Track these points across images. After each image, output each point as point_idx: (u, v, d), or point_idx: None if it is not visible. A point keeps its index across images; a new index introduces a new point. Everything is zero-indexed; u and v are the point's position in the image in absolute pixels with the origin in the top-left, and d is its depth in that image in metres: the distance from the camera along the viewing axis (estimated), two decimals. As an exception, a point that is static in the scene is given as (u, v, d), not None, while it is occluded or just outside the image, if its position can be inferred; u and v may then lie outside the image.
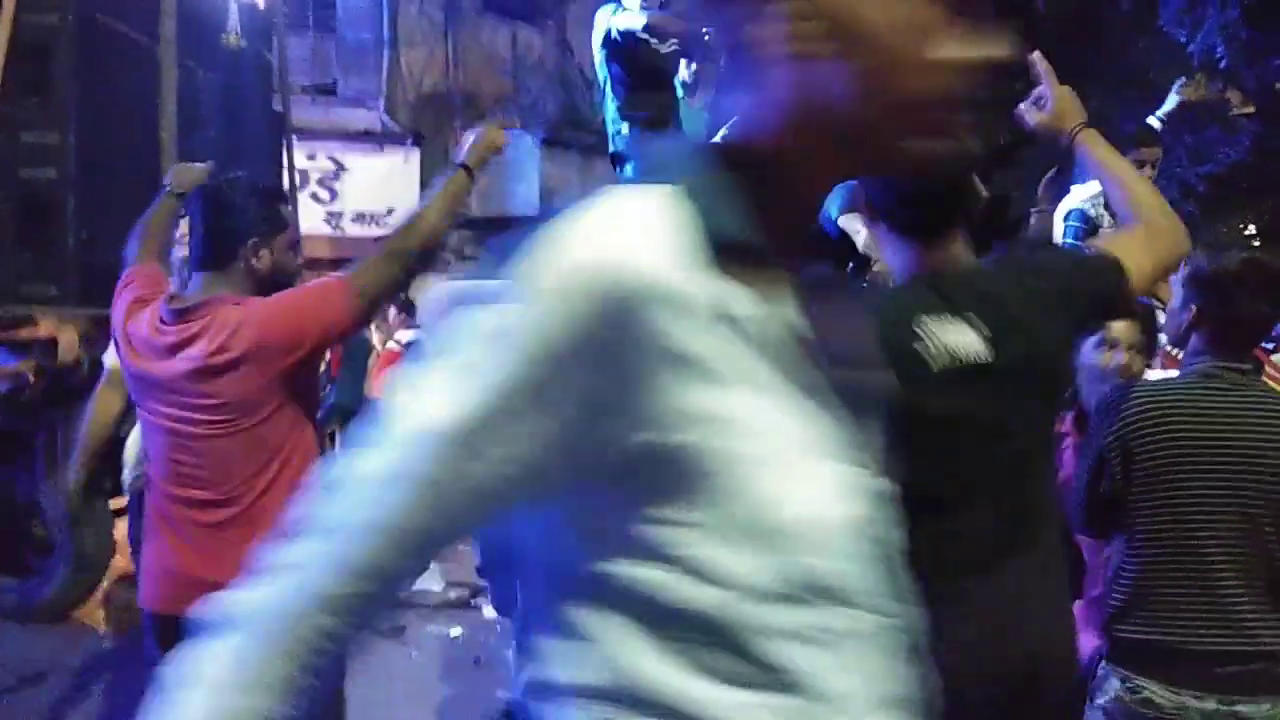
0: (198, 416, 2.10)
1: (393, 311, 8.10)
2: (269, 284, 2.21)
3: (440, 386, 0.69)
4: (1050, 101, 1.89)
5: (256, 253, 2.20)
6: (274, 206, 2.34)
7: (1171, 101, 4.94)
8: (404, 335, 8.98)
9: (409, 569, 0.73)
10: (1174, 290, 2.08)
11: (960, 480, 1.51)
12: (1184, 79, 5.04)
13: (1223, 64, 9.86)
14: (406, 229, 2.25)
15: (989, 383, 1.49)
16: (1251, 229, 15.35)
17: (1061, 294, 1.59)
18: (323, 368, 4.80)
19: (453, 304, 0.74)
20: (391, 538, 0.70)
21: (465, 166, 2.30)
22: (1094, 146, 1.86)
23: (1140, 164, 4.57)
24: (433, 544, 0.73)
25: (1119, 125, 5.32)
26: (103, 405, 2.90)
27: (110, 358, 2.88)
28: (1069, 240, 4.54)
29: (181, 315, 2.13)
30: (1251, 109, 12.22)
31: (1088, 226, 4.56)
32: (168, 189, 2.56)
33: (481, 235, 11.39)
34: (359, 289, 2.13)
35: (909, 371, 1.41)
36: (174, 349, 2.11)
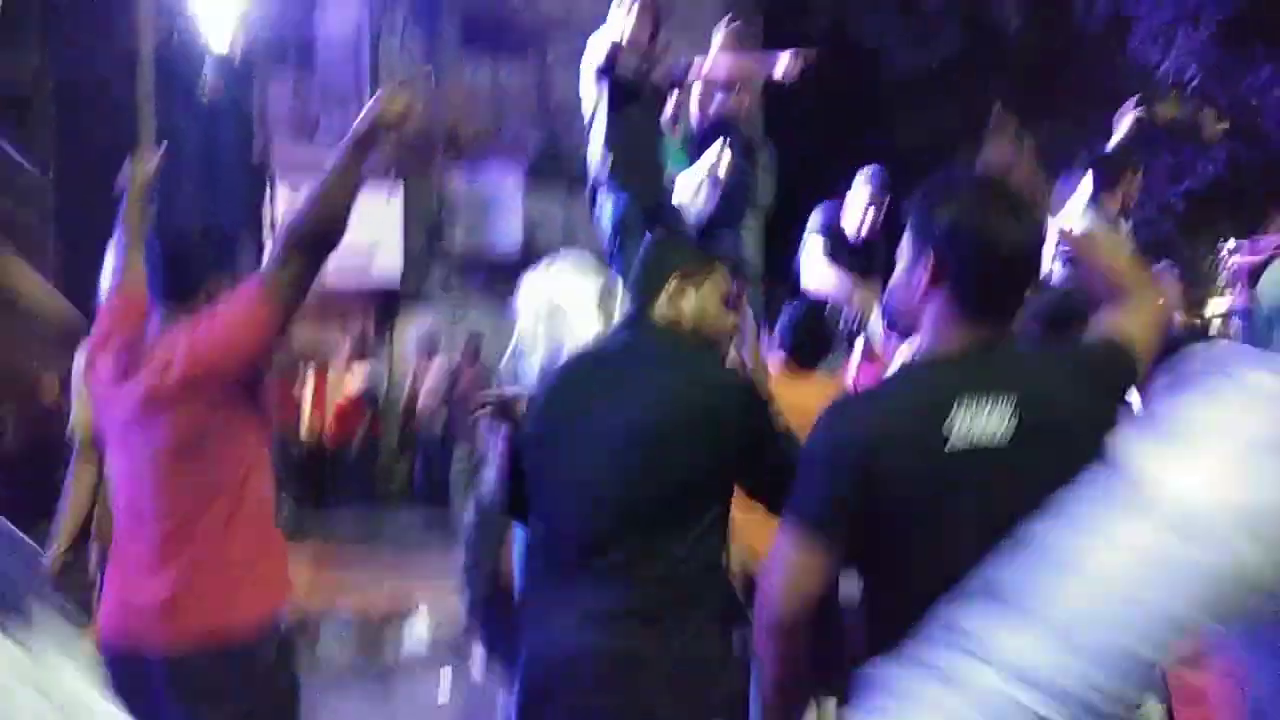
0: (150, 448, 2.08)
1: (347, 345, 8.11)
2: None
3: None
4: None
5: (216, 290, 2.17)
6: (229, 245, 2.34)
7: (1121, 129, 4.96)
8: (358, 370, 9.00)
9: None
10: None
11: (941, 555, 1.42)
12: (1136, 101, 5.05)
13: (1195, 84, 10.03)
14: (302, 216, 2.13)
15: (1004, 468, 1.43)
16: (1231, 243, 15.54)
17: (1098, 387, 1.55)
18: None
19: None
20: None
21: (356, 139, 2.12)
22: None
23: (1127, 195, 4.61)
24: None
25: (1092, 148, 5.36)
26: (80, 479, 2.92)
27: (78, 425, 2.90)
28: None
29: (138, 348, 2.13)
30: (1226, 125, 12.40)
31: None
32: (125, 190, 2.55)
33: (465, 270, 11.43)
34: (271, 291, 2.08)
35: (925, 447, 1.41)
36: (126, 377, 2.10)
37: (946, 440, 1.42)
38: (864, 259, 4.59)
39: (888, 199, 4.58)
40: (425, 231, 10.91)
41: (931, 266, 1.51)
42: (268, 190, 6.08)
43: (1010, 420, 1.43)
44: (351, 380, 7.82)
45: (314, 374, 8.11)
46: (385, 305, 10.90)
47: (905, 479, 1.43)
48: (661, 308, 1.94)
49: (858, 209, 4.64)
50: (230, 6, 4.92)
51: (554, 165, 10.86)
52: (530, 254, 11.30)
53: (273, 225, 6.36)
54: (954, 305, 1.51)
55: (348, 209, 2.10)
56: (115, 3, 4.01)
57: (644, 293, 1.98)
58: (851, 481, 1.44)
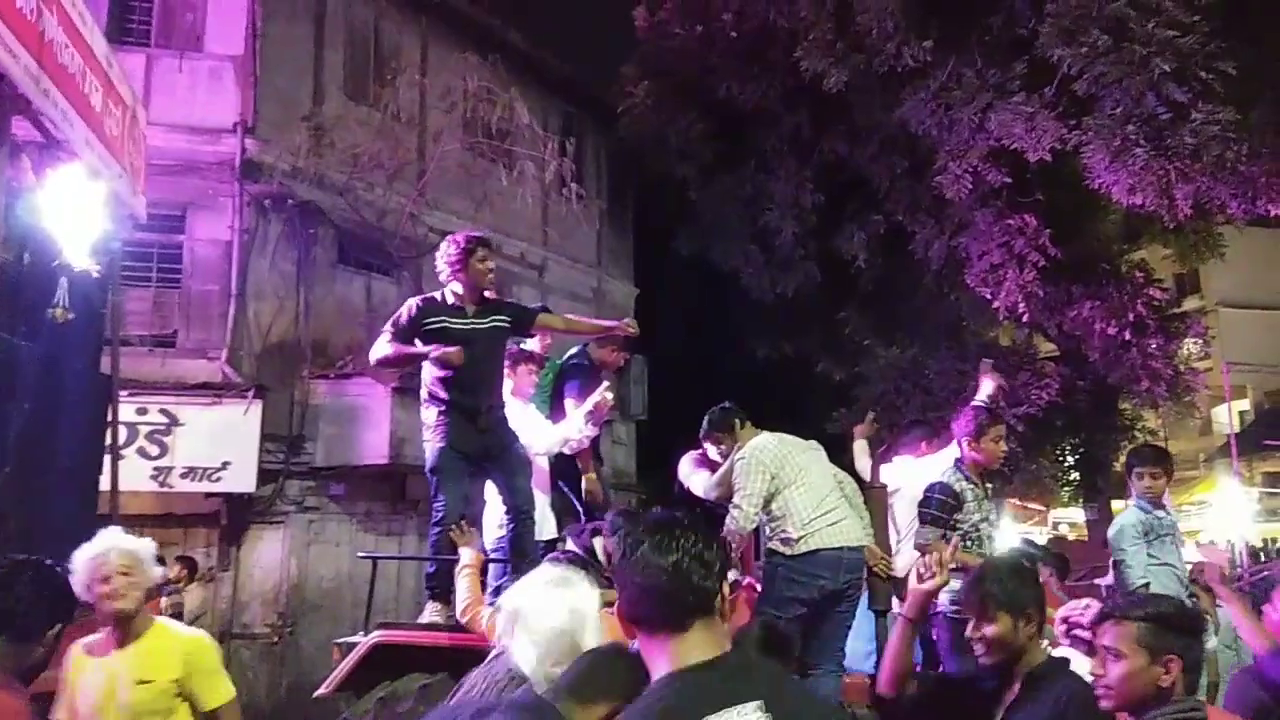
0: None
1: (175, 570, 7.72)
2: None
3: None
4: None
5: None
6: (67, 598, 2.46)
7: (986, 388, 5.45)
8: (193, 595, 8.41)
9: None
10: (1123, 651, 2.19)
11: None
12: (990, 362, 5.60)
13: (1025, 318, 10.94)
14: None
15: None
16: (1070, 460, 16.55)
17: None
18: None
19: None
20: None
21: None
22: None
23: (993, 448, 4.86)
24: None
25: (949, 374, 5.72)
26: None
27: None
28: (932, 512, 4.64)
29: None
30: (1058, 353, 13.48)
31: (951, 501, 4.67)
32: None
33: (324, 485, 10.99)
34: None
35: None
36: None
37: None
38: None
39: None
40: (283, 446, 10.50)
41: None
42: (109, 404, 5.76)
43: None
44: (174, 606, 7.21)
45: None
46: (234, 524, 10.29)
47: None
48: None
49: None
50: (91, 223, 4.79)
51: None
52: (396, 468, 11.07)
53: (114, 438, 6.01)
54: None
55: None
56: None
57: (577, 698, 1.96)
58: None
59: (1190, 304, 22.35)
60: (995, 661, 2.69)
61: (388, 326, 4.86)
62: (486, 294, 4.97)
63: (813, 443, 4.81)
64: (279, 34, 11.13)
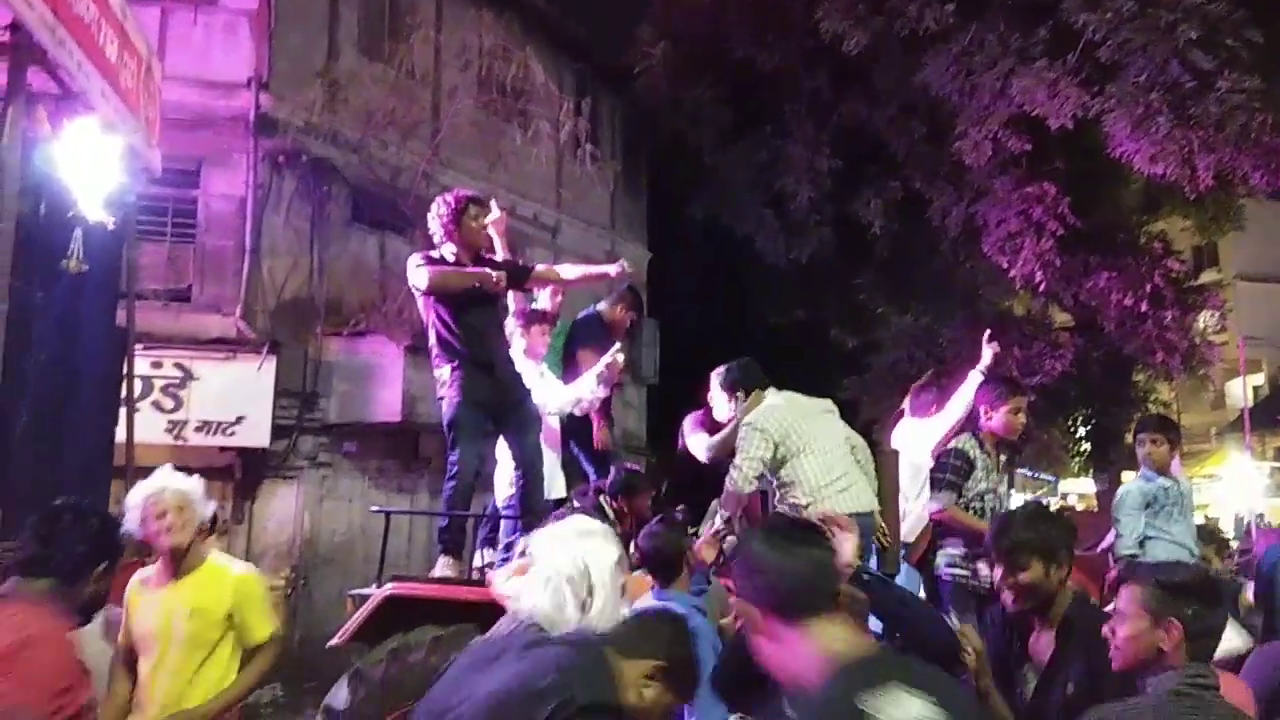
0: None
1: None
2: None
3: None
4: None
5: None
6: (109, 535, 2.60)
7: (987, 356, 5.42)
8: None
9: None
10: (1127, 613, 2.20)
11: None
12: (992, 334, 5.58)
13: (1042, 287, 10.86)
14: None
15: None
16: (1082, 431, 16.51)
17: None
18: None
19: None
20: None
21: None
22: None
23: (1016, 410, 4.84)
24: None
25: (963, 342, 5.71)
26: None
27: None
28: (947, 477, 4.64)
29: None
30: (1071, 323, 13.40)
31: (964, 465, 4.67)
32: None
33: (337, 441, 11.06)
34: None
35: None
36: None
37: None
38: None
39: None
40: (297, 402, 10.57)
41: None
42: (125, 358, 5.81)
43: None
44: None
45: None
46: (248, 478, 10.38)
47: None
48: (626, 689, 2.03)
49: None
50: (106, 175, 4.79)
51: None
52: (409, 426, 11.14)
53: (129, 390, 6.07)
54: None
55: None
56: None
57: (621, 651, 2.07)
58: None
59: (1208, 276, 22.18)
60: (1025, 608, 2.67)
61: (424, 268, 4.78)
62: (483, 254, 4.98)
63: (825, 403, 4.72)
64: (294, -12, 11.04)
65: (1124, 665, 2.23)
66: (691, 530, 4.32)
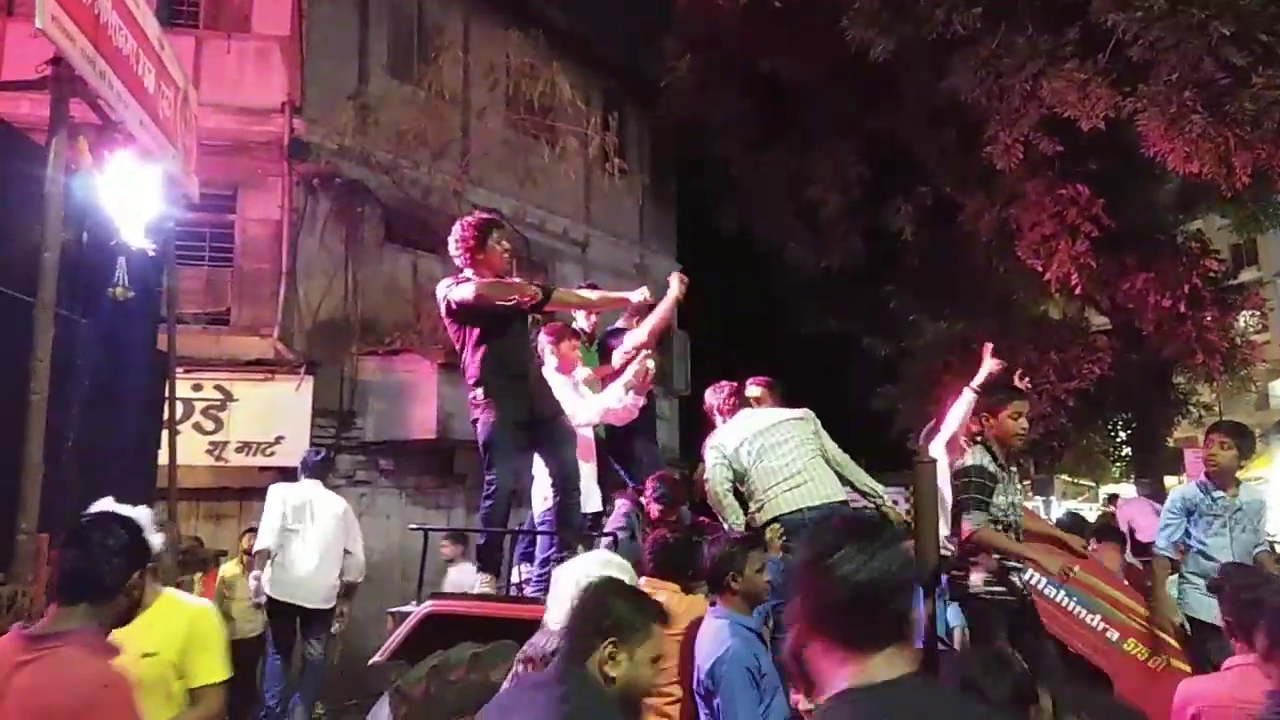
0: None
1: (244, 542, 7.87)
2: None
3: None
4: None
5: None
6: (144, 539, 2.53)
7: (982, 371, 5.38)
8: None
9: None
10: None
11: None
12: (993, 347, 5.55)
13: (1078, 290, 10.72)
14: None
15: None
16: (1122, 435, 16.21)
17: None
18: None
19: None
20: None
21: None
22: None
23: (1017, 414, 4.79)
24: None
25: (997, 348, 5.65)
26: None
27: None
28: (974, 496, 4.59)
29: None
30: (1109, 326, 13.20)
31: (988, 481, 4.62)
32: None
33: (374, 459, 11.16)
34: None
35: None
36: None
37: None
38: None
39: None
40: (334, 421, 10.68)
41: None
42: (167, 381, 5.90)
43: None
44: (245, 582, 7.33)
45: (202, 580, 7.62)
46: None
47: None
48: (593, 667, 2.06)
49: None
50: (146, 203, 4.89)
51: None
52: (444, 443, 11.21)
53: (171, 414, 6.16)
54: None
55: None
56: (21, 201, 3.93)
57: (579, 644, 2.11)
58: None
59: (1247, 275, 21.79)
60: None
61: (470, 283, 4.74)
62: (505, 278, 4.92)
63: (798, 412, 4.88)
64: (324, 14, 11.23)
65: None
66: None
